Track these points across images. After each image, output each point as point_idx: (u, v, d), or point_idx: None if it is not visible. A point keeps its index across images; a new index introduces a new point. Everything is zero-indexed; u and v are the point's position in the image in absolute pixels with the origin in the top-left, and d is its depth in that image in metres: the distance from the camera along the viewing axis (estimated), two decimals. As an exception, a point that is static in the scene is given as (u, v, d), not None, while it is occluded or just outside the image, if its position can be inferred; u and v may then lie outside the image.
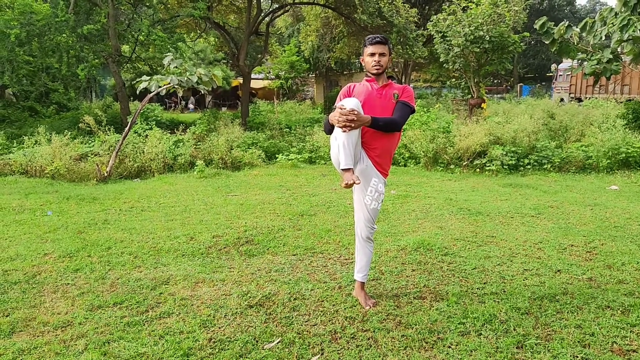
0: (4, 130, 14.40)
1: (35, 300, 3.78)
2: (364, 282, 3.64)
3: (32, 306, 3.66)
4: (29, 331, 3.28)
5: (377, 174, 3.42)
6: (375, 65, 3.38)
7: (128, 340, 3.13)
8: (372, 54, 3.39)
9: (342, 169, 3.16)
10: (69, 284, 4.10)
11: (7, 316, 3.49)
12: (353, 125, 3.07)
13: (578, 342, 3.04)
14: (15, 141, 11.95)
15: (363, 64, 3.51)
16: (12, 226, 5.88)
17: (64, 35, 13.93)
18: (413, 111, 3.47)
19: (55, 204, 7.07)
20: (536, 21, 5.80)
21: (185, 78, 9.84)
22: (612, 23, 5.15)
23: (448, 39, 14.79)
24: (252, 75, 21.89)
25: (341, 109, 3.07)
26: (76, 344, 3.09)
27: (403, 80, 26.35)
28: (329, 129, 3.33)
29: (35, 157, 9.98)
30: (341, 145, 3.14)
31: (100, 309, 3.60)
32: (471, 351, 2.95)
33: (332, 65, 28.84)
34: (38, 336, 3.21)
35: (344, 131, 3.09)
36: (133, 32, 15.74)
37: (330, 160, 3.56)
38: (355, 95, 3.40)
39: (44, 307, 3.64)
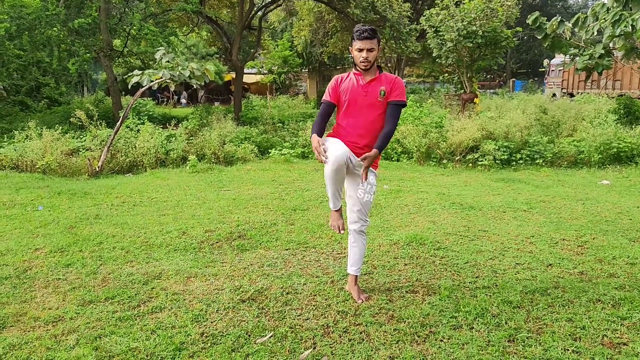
0: (-5, 124, 14.30)
1: (26, 295, 3.75)
2: (357, 276, 3.64)
3: (22, 301, 3.64)
4: (20, 326, 3.26)
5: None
6: (363, 62, 3.31)
7: (120, 335, 3.11)
8: (360, 50, 3.30)
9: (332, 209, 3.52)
10: (60, 278, 4.07)
11: (-3, 311, 3.47)
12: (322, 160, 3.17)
13: (569, 335, 3.06)
14: (5, 136, 11.85)
15: (352, 55, 3.44)
16: (2, 221, 5.83)
17: (54, 29, 13.81)
18: (405, 105, 3.46)
19: (47, 199, 7.03)
20: (529, 16, 5.81)
21: (178, 72, 9.80)
22: (604, 18, 5.16)
23: (441, 33, 14.80)
24: (245, 70, 21.81)
25: (321, 154, 3.12)
26: (67, 339, 3.08)
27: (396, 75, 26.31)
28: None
29: (26, 152, 9.90)
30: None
31: (91, 304, 3.58)
32: (463, 345, 2.97)
33: (325, 60, 28.77)
34: (29, 331, 3.19)
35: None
36: (125, 26, 15.64)
37: None
38: (342, 92, 3.40)
39: (35, 302, 3.62)
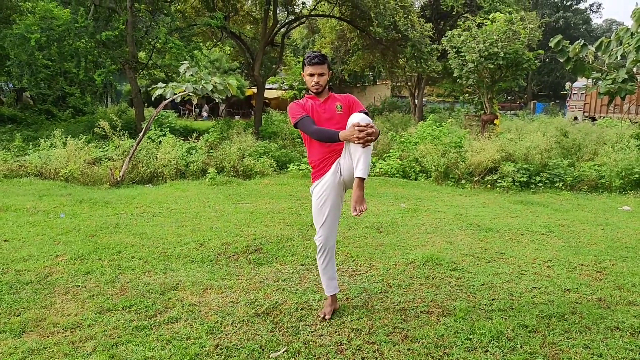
0: (21, 132, 14.65)
1: (46, 301, 3.82)
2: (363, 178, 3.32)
3: (42, 307, 3.71)
4: (39, 331, 3.32)
5: None
6: (314, 86, 3.47)
7: (136, 344, 3.16)
8: (312, 75, 3.46)
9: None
10: (79, 286, 4.14)
11: (18, 316, 3.54)
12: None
13: (585, 362, 3.02)
14: (31, 143, 12.12)
15: (304, 80, 3.57)
16: (25, 227, 5.96)
17: (82, 40, 14.15)
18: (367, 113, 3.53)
19: (69, 207, 7.16)
20: (551, 39, 5.82)
21: (200, 86, 9.94)
22: (628, 43, 5.16)
23: (462, 54, 14.84)
24: (266, 85, 22.03)
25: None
26: (85, 346, 3.13)
27: (416, 94, 26.37)
28: (327, 140, 3.37)
29: (50, 160, 10.11)
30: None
31: (109, 312, 3.64)
32: (477, 367, 2.94)
33: (346, 77, 28.96)
34: (48, 337, 3.25)
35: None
36: (150, 40, 15.96)
37: None
38: (307, 113, 3.46)
39: (55, 308, 3.69)
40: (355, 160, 3.19)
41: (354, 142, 3.12)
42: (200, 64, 14.89)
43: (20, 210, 6.83)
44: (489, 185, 9.93)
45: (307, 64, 3.46)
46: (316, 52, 3.49)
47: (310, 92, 3.56)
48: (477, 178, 10.21)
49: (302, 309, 3.75)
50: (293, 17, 20.23)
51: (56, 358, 2.99)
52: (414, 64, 18.81)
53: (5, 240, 5.39)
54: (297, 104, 3.52)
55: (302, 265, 4.78)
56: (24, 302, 3.77)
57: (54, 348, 3.09)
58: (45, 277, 4.32)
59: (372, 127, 3.11)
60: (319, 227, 3.58)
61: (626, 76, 5.47)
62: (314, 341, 3.24)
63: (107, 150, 11.50)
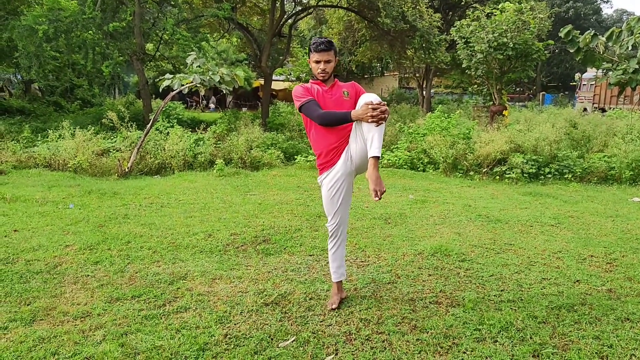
0: (29, 124, 14.71)
1: (56, 290, 3.85)
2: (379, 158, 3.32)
3: (52, 296, 3.74)
4: (49, 320, 3.35)
5: None
6: (320, 73, 3.43)
7: (145, 333, 3.17)
8: (318, 62, 3.41)
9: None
10: (88, 275, 4.17)
11: (28, 305, 3.57)
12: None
13: (596, 353, 3.00)
14: (40, 135, 12.19)
15: (310, 67, 3.53)
16: (35, 217, 5.99)
17: (90, 32, 14.16)
18: None
19: (77, 198, 7.19)
20: (561, 29, 5.76)
21: (208, 77, 9.93)
22: (639, 33, 5.09)
23: (471, 44, 14.73)
24: (273, 77, 21.98)
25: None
26: (94, 335, 3.15)
27: (424, 86, 26.25)
28: (336, 123, 3.33)
29: (59, 151, 10.17)
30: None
31: (118, 301, 3.66)
32: (486, 358, 2.94)
33: (353, 68, 28.85)
34: (58, 325, 3.27)
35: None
36: (158, 31, 15.95)
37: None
38: (313, 97, 3.43)
39: (64, 297, 3.71)
40: (369, 139, 3.14)
41: (368, 121, 3.10)
42: (207, 55, 14.84)
43: (29, 200, 6.87)
44: (498, 177, 9.88)
45: (313, 50, 3.40)
46: (322, 38, 3.44)
47: (315, 78, 3.53)
48: (485, 169, 10.16)
49: (310, 299, 3.75)
50: (300, 8, 20.15)
51: (66, 346, 3.01)
52: (422, 55, 18.70)
53: (15, 230, 5.43)
54: (303, 87, 3.47)
55: (311, 255, 4.79)
56: (34, 292, 3.79)
57: (64, 337, 3.11)
58: (55, 266, 4.35)
59: (384, 104, 3.11)
60: (332, 215, 3.55)
61: (637, 66, 5.41)
62: (322, 331, 3.25)
63: (115, 141, 11.55)
